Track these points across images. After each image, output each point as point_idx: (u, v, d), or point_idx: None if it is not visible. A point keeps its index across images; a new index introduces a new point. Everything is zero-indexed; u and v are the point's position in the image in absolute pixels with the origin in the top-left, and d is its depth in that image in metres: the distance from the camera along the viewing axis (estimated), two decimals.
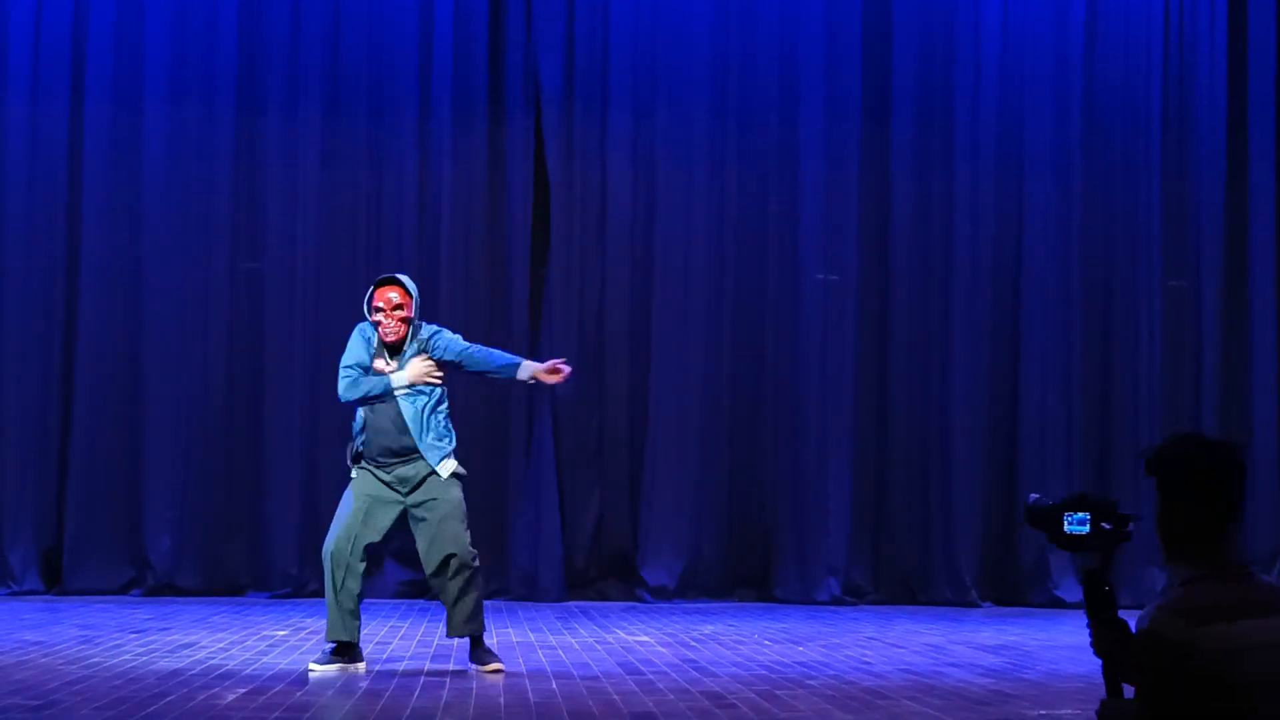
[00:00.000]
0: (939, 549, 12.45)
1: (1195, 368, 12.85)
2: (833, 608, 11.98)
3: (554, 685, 7.54)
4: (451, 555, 7.86)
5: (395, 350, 8.05)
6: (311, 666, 7.83)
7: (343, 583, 7.82)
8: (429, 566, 7.98)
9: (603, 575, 12.46)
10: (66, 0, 12.25)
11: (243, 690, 7.14)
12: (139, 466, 12.12)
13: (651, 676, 7.90)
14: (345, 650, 7.85)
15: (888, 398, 12.67)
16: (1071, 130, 12.81)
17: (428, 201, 12.47)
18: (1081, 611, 11.18)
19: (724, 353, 12.59)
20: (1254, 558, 12.69)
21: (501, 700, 7.00)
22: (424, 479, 7.95)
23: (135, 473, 12.13)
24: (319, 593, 11.95)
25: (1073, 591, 12.29)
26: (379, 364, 8.03)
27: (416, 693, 7.20)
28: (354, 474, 8.11)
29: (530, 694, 7.24)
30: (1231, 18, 12.98)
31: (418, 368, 7.98)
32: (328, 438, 12.25)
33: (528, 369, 8.28)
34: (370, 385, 8.02)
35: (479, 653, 7.96)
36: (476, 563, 7.98)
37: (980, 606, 12.26)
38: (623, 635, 9.90)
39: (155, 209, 12.25)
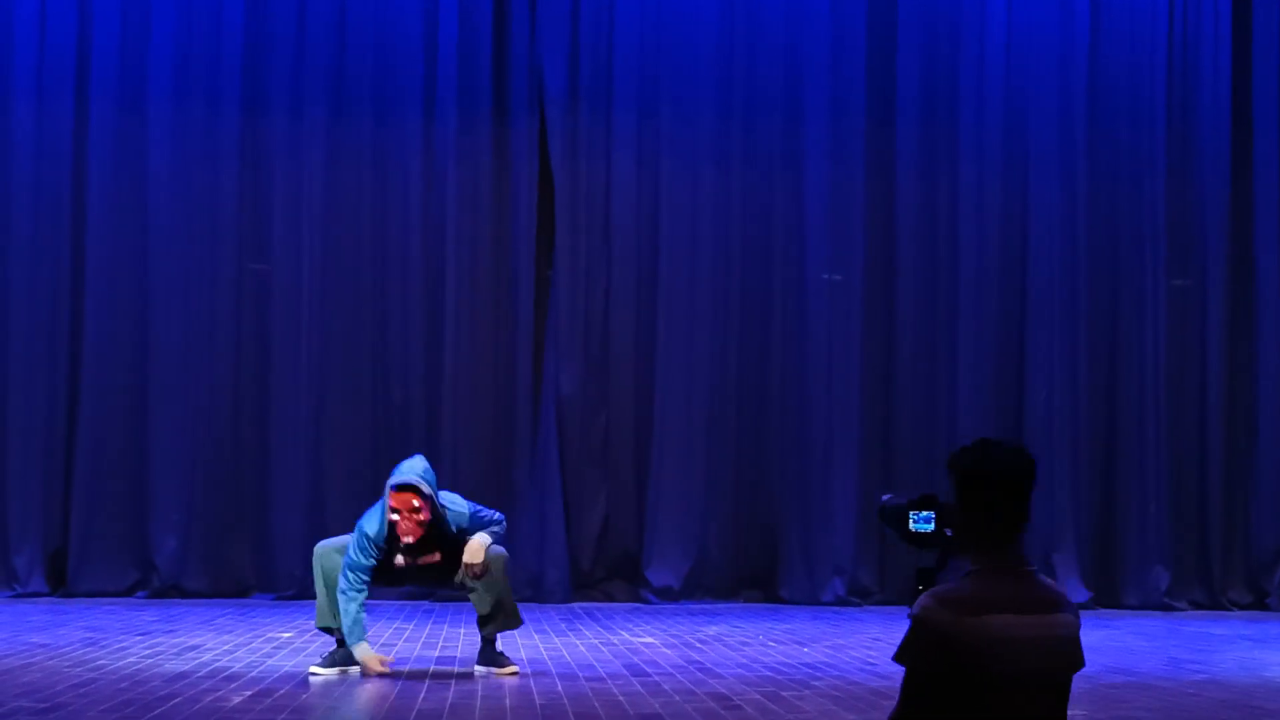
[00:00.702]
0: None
1: (1200, 366, 12.85)
2: (838, 608, 11.98)
3: (559, 686, 7.54)
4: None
5: (416, 546, 7.84)
6: (313, 669, 7.83)
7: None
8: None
9: (608, 576, 12.47)
10: (71, 3, 12.27)
11: (248, 692, 7.15)
12: (144, 469, 12.13)
13: (657, 678, 7.90)
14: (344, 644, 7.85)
15: (893, 397, 12.67)
16: (1076, 130, 12.81)
17: (433, 202, 12.48)
18: (1087, 611, 11.14)
19: (729, 353, 12.59)
20: (1257, 557, 12.70)
21: (507, 702, 7.01)
22: None
23: (141, 475, 12.14)
24: None
25: (1077, 592, 12.29)
26: (399, 559, 7.85)
27: (422, 694, 7.20)
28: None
29: (536, 695, 7.24)
30: (1235, 17, 12.98)
31: (372, 664, 7.73)
32: (333, 440, 12.28)
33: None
34: (348, 624, 7.73)
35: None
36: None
37: None
38: (628, 636, 9.90)
39: (160, 211, 12.26)
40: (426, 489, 7.74)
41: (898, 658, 3.70)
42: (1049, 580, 3.83)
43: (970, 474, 3.77)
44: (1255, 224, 12.94)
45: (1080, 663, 3.75)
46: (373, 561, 7.77)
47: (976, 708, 3.62)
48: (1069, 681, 3.72)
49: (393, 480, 7.78)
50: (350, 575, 7.74)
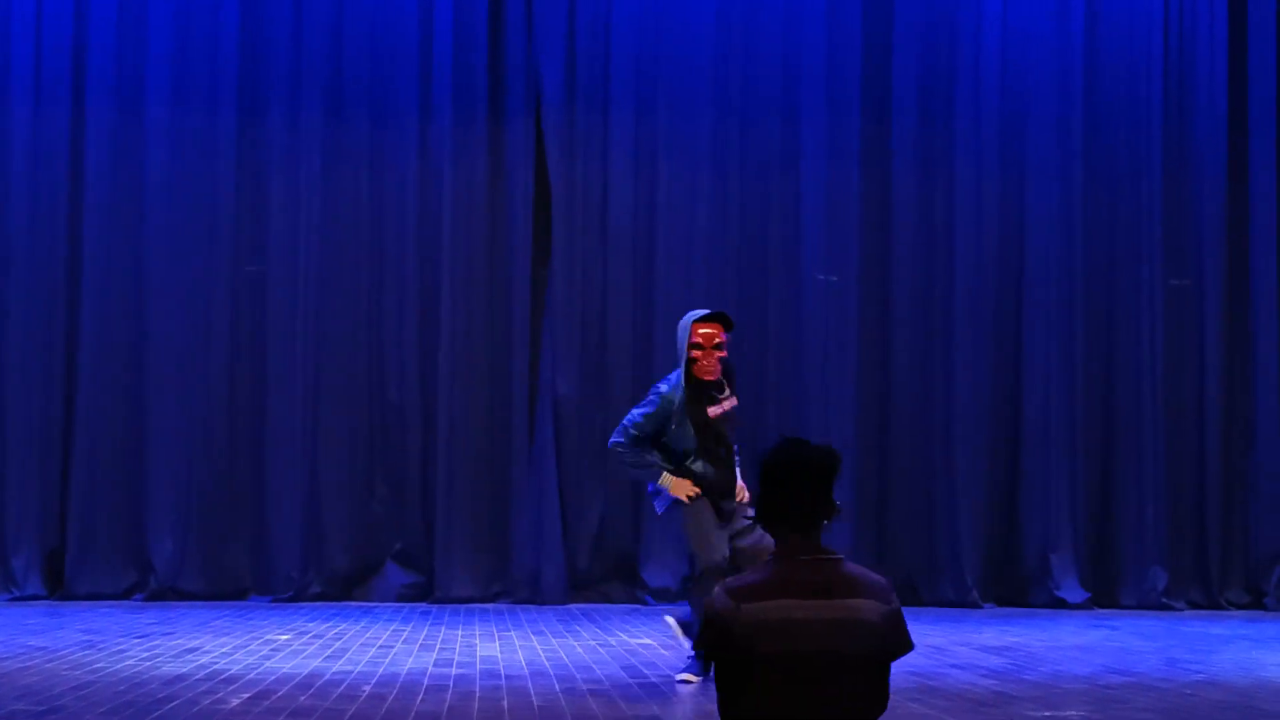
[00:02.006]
0: (941, 549, 12.45)
1: (1198, 366, 12.86)
2: None
3: (557, 688, 7.54)
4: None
5: (709, 390, 7.73)
6: (685, 678, 7.72)
7: None
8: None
9: (605, 577, 12.46)
10: (68, 4, 12.27)
11: (246, 695, 7.15)
12: (142, 471, 12.13)
13: (655, 679, 7.90)
14: None
15: (890, 397, 12.67)
16: (1072, 131, 12.81)
17: (429, 203, 12.48)
18: (1085, 612, 11.15)
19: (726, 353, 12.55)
20: (1254, 557, 12.70)
21: (505, 704, 7.01)
22: None
23: (138, 477, 12.14)
24: (321, 596, 12.08)
25: (1075, 592, 12.30)
26: (711, 410, 7.70)
27: (420, 696, 7.20)
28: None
29: (534, 697, 7.24)
30: (1231, 18, 12.99)
31: (681, 487, 7.60)
32: (329, 441, 12.28)
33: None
34: (649, 466, 7.65)
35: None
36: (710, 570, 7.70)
37: (982, 607, 12.26)
38: (625, 638, 9.90)
39: (157, 213, 12.26)
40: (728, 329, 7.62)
41: (695, 644, 3.97)
42: (858, 568, 4.01)
43: (768, 467, 3.99)
44: (1251, 224, 12.95)
45: (893, 645, 3.93)
46: (655, 425, 7.61)
47: (766, 686, 3.83)
48: (873, 662, 3.89)
49: (695, 314, 7.65)
50: (629, 431, 7.63)
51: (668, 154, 12.61)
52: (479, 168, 12.55)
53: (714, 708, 6.89)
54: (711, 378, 7.69)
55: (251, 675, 7.82)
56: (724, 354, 7.73)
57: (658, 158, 12.61)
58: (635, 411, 7.81)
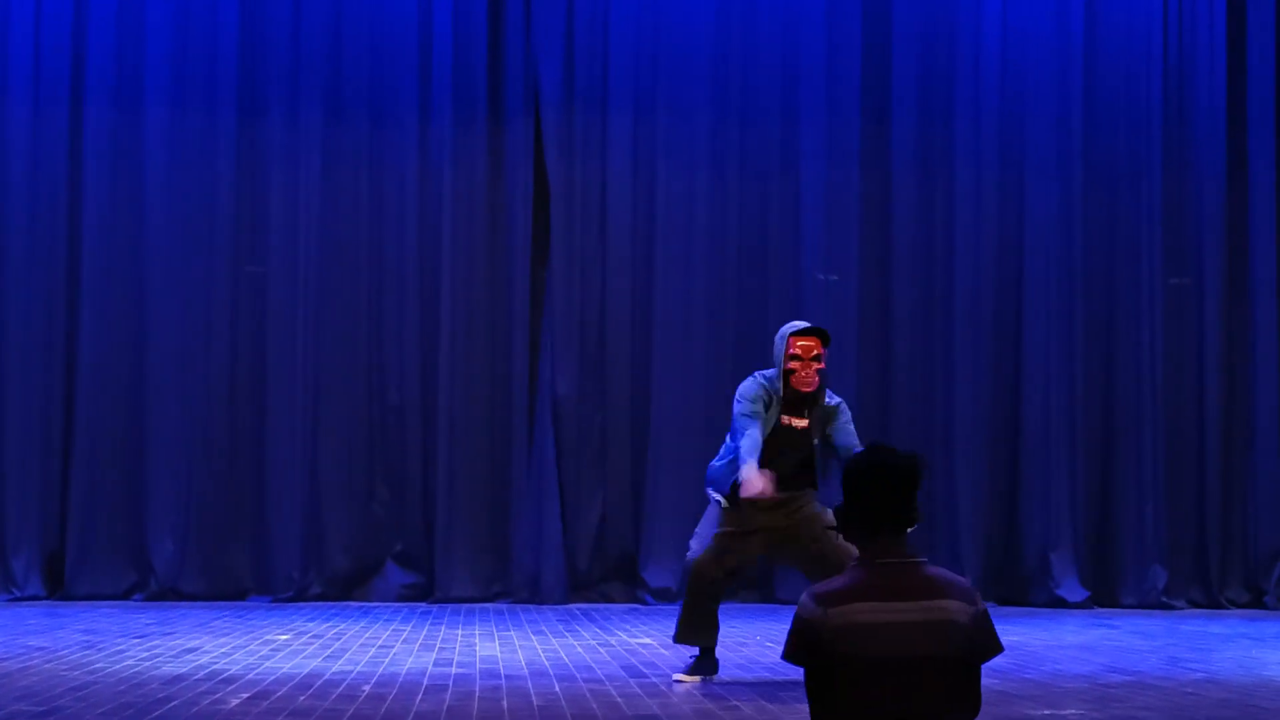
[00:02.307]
0: (941, 548, 12.44)
1: (1198, 365, 12.86)
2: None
3: (557, 688, 7.54)
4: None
5: (802, 404, 7.67)
6: (678, 678, 7.80)
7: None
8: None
9: (605, 577, 12.46)
10: (66, 5, 12.27)
11: (246, 695, 7.14)
12: (142, 471, 12.13)
13: (655, 679, 7.90)
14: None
15: (889, 397, 12.67)
16: (1072, 129, 12.81)
17: (428, 205, 12.48)
18: (1084, 610, 11.15)
19: (726, 353, 12.58)
20: (1254, 556, 12.70)
21: (505, 704, 7.00)
22: None
23: (138, 478, 12.14)
24: (321, 597, 12.08)
25: (1075, 591, 12.30)
26: (785, 419, 7.65)
27: (420, 696, 7.20)
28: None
29: (534, 696, 7.24)
30: (1230, 18, 12.99)
31: (758, 484, 7.42)
32: (329, 442, 12.29)
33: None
34: (748, 446, 7.54)
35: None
36: (689, 566, 7.84)
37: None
38: (625, 637, 9.90)
39: (157, 213, 12.27)
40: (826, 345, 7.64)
41: (784, 656, 3.97)
42: (941, 570, 4.02)
43: (851, 473, 3.97)
44: (1250, 223, 12.95)
45: (981, 647, 3.93)
46: (761, 408, 7.59)
47: (856, 691, 3.82)
48: (963, 664, 3.87)
49: (789, 328, 7.66)
50: (747, 412, 7.58)
51: (667, 154, 12.61)
52: (478, 168, 12.56)
53: (713, 706, 6.90)
54: (809, 389, 7.61)
55: (251, 675, 7.82)
56: (822, 366, 7.66)
57: (657, 158, 12.61)
58: (741, 397, 7.71)
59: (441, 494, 12.22)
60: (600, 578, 12.45)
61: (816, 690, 3.92)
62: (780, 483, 7.57)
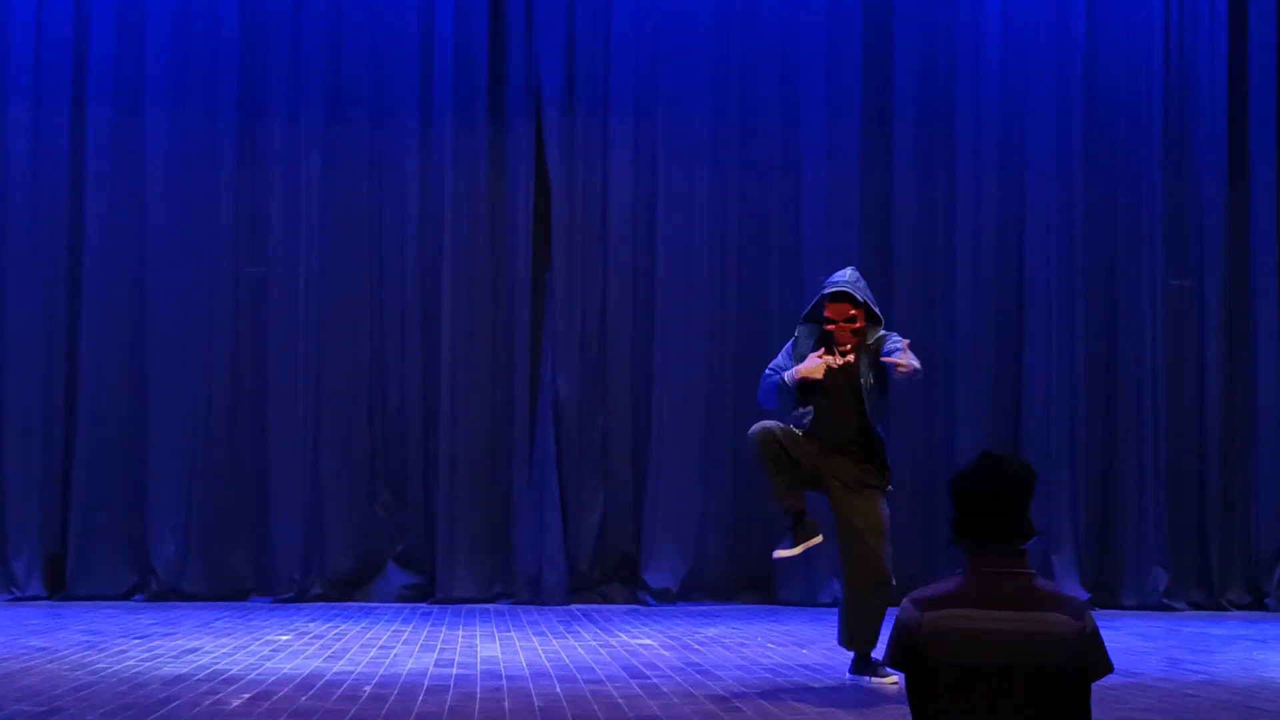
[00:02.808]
0: (941, 550, 12.45)
1: (1198, 366, 12.85)
2: (836, 610, 11.95)
3: (558, 689, 7.54)
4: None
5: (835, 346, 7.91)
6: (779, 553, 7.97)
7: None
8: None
9: (606, 578, 12.46)
10: (67, 6, 12.28)
11: (247, 695, 7.15)
12: (143, 472, 12.14)
13: (655, 680, 7.90)
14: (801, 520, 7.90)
15: (890, 396, 12.64)
16: (1073, 130, 12.81)
17: (430, 205, 12.48)
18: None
19: (727, 354, 12.59)
20: (1255, 557, 12.70)
21: (506, 704, 7.01)
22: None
23: (139, 478, 12.14)
24: (322, 597, 12.08)
25: (1076, 593, 12.29)
26: (828, 359, 7.85)
27: (421, 697, 7.20)
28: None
29: (534, 697, 7.24)
30: (1231, 16, 12.99)
31: (809, 361, 7.79)
32: (330, 442, 12.29)
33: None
34: (766, 383, 7.94)
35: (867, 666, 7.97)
36: (750, 438, 7.90)
37: None
38: (626, 639, 9.90)
39: (158, 214, 12.27)
40: (860, 296, 7.83)
41: (884, 660, 3.96)
42: (1050, 584, 3.93)
43: (960, 482, 3.98)
44: (1252, 224, 12.95)
45: (1091, 666, 3.83)
46: (788, 358, 7.90)
47: (950, 698, 3.78)
48: (1063, 679, 3.79)
49: (825, 288, 7.91)
50: (770, 375, 7.90)
51: (668, 154, 12.61)
52: (479, 168, 12.56)
53: (714, 708, 6.91)
54: (849, 346, 7.85)
55: (252, 676, 7.83)
56: (858, 325, 7.87)
57: (658, 158, 12.61)
58: (782, 355, 8.06)
59: (442, 495, 12.23)
60: (601, 578, 12.45)
61: (914, 696, 3.89)
62: (835, 438, 7.82)
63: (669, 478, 12.37)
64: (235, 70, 12.37)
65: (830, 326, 7.84)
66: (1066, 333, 12.72)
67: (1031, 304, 12.72)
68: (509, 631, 10.19)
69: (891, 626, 3.95)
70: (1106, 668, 3.88)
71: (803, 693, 7.52)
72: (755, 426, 7.90)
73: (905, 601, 3.91)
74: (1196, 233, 12.91)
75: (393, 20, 12.51)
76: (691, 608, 12.05)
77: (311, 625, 10.38)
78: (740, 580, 12.47)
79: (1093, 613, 3.90)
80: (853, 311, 7.84)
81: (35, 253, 12.21)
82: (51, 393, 12.18)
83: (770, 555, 12.23)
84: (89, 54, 12.30)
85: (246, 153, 12.41)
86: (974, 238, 12.74)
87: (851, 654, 8.03)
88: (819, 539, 7.95)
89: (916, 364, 7.66)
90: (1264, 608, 12.54)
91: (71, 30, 12.30)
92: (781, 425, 7.89)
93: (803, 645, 9.61)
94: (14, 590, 11.92)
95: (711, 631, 10.39)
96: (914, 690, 3.89)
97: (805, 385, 7.90)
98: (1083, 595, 12.29)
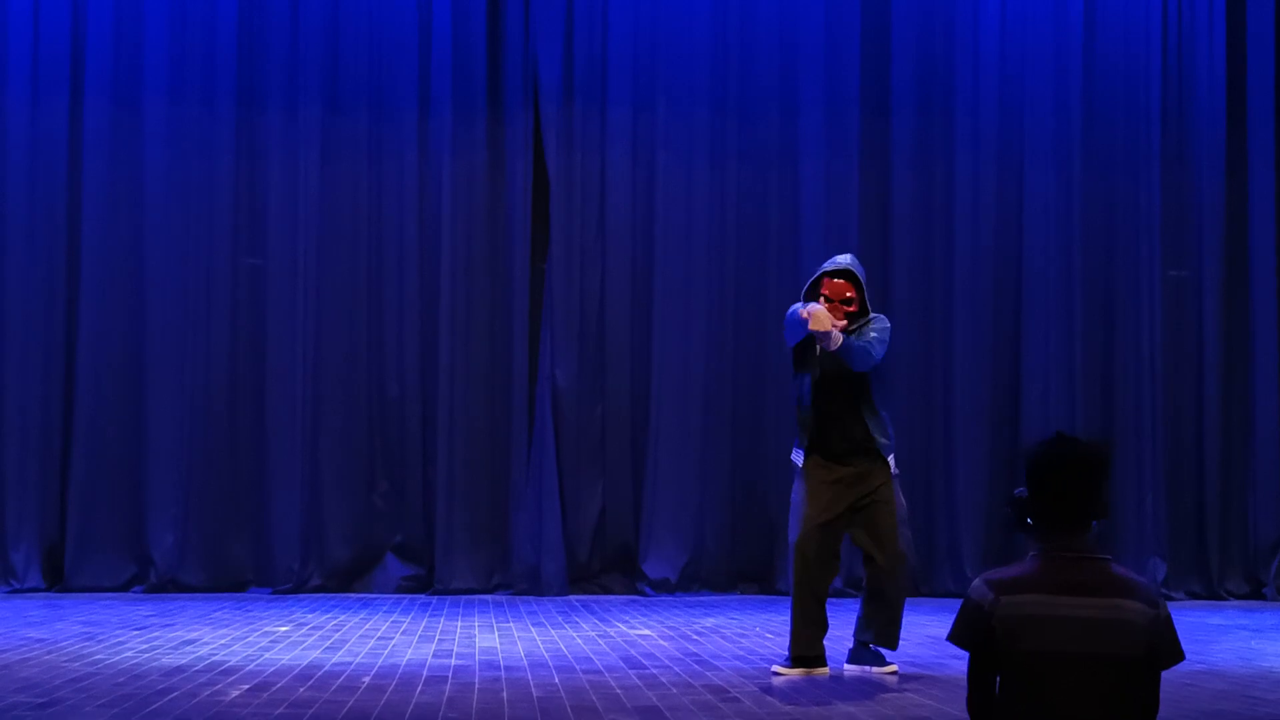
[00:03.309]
0: (941, 540, 12.47)
1: (1197, 357, 12.86)
2: (835, 600, 11.89)
3: (556, 679, 7.54)
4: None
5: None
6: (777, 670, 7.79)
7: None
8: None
9: (605, 569, 12.47)
10: None
11: (246, 686, 7.15)
12: (141, 463, 12.14)
13: (654, 670, 7.91)
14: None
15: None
16: (1071, 121, 12.81)
17: (428, 197, 12.48)
18: None
19: (726, 345, 12.59)
20: (1254, 547, 12.71)
21: (504, 695, 7.01)
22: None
23: (138, 470, 12.14)
24: (321, 588, 12.09)
25: None
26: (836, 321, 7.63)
27: (419, 687, 7.21)
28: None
29: (533, 688, 7.24)
30: (1229, 6, 12.98)
31: (822, 318, 7.52)
32: (329, 434, 12.29)
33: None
34: (791, 319, 7.74)
35: (868, 654, 7.95)
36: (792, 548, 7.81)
37: None
38: (625, 629, 9.91)
39: (156, 207, 12.26)
40: (861, 275, 7.75)
41: (949, 636, 3.93)
42: (1125, 570, 3.90)
43: (1034, 462, 3.89)
44: (1250, 215, 12.95)
45: (1164, 653, 3.83)
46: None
47: (1022, 684, 3.77)
48: (1135, 666, 3.78)
49: (825, 266, 7.83)
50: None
51: (666, 147, 12.61)
52: (478, 161, 12.55)
53: (712, 698, 6.91)
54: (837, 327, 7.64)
55: (251, 667, 7.83)
56: (853, 309, 7.73)
57: (656, 151, 12.61)
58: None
59: (441, 486, 12.23)
60: (600, 569, 12.46)
61: (977, 676, 3.87)
62: (839, 445, 7.73)
63: (668, 468, 12.38)
64: (233, 62, 12.35)
65: (824, 303, 7.69)
66: (1064, 323, 12.72)
67: (1030, 294, 12.72)
68: (507, 622, 10.19)
69: (961, 603, 3.93)
70: (1178, 655, 3.86)
71: (801, 683, 7.52)
72: (794, 535, 7.74)
73: (978, 582, 3.89)
74: (1195, 222, 12.91)
75: (391, 12, 12.50)
76: (690, 598, 12.06)
77: (310, 616, 10.39)
78: (739, 571, 12.48)
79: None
80: (849, 294, 7.75)
81: (33, 244, 12.20)
82: (50, 384, 12.17)
83: (767, 547, 12.35)
84: (86, 46, 12.28)
85: (244, 145, 12.40)
86: (972, 227, 12.74)
87: (877, 647, 7.96)
88: (824, 671, 7.79)
89: (836, 332, 7.50)
90: (1262, 597, 12.56)
91: (69, 23, 12.28)
92: (814, 519, 7.72)
93: None
94: (12, 582, 11.92)
95: (710, 622, 10.39)
96: (977, 671, 3.87)
97: (804, 357, 7.80)
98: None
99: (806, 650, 7.72)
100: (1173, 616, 3.93)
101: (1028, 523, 3.97)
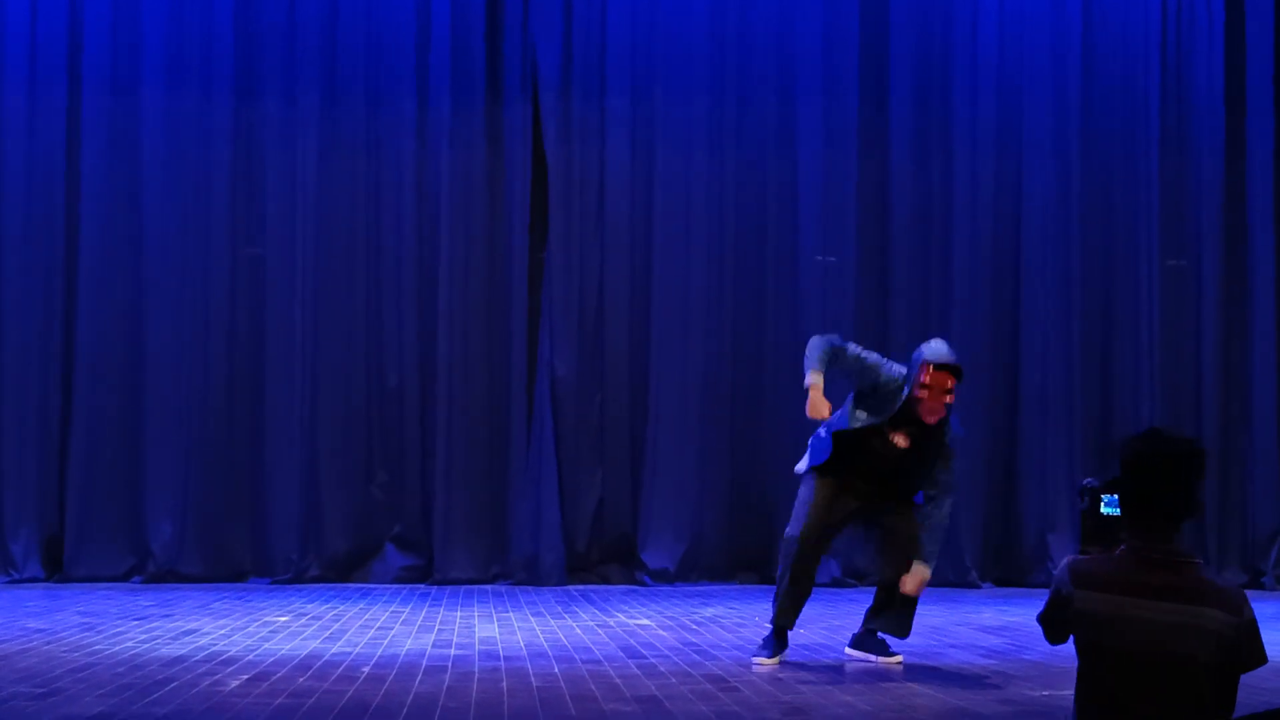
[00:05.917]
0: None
1: (1195, 348, 12.87)
2: (834, 589, 11.99)
3: (556, 669, 7.55)
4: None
5: (911, 425, 7.58)
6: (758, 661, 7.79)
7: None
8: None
9: (604, 559, 12.48)
10: None
11: (245, 676, 7.15)
12: (140, 453, 12.14)
13: (653, 660, 7.91)
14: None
15: None
16: (1070, 110, 12.81)
17: (426, 186, 12.47)
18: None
19: (724, 335, 12.59)
20: (1252, 537, 12.72)
21: (504, 685, 7.01)
22: None
23: (136, 460, 12.14)
24: (320, 578, 12.08)
25: None
26: (890, 432, 7.58)
27: (419, 677, 7.21)
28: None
29: (532, 678, 7.25)
30: None
31: (818, 406, 7.47)
32: (328, 424, 12.29)
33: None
34: (811, 359, 7.62)
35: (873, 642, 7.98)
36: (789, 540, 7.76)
37: (980, 587, 12.29)
38: (624, 619, 9.91)
39: (154, 197, 12.25)
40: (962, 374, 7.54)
41: (1038, 616, 4.02)
42: (1213, 575, 3.87)
43: (1127, 458, 3.87)
44: (1249, 204, 12.95)
45: (1247, 657, 3.81)
46: (860, 368, 7.64)
47: (1092, 673, 3.81)
48: (1209, 671, 3.75)
49: (930, 355, 7.46)
50: (836, 341, 7.70)
51: (664, 137, 12.60)
52: (476, 151, 12.54)
53: (711, 687, 6.91)
54: (932, 420, 7.49)
55: (250, 657, 7.83)
56: (950, 400, 7.50)
57: (655, 140, 12.60)
58: (863, 350, 7.78)
59: (440, 476, 12.24)
60: (599, 559, 12.47)
61: (1052, 627, 3.99)
62: (862, 482, 7.70)
63: (666, 458, 12.38)
64: (231, 52, 12.34)
65: (923, 392, 7.44)
66: (1063, 312, 12.73)
67: (1028, 284, 12.73)
68: (507, 612, 10.19)
69: (1052, 584, 3.98)
70: (1261, 659, 3.84)
71: (801, 672, 7.53)
72: (793, 529, 7.71)
73: (1065, 564, 3.90)
74: (1194, 213, 12.91)
75: (389, 2, 12.48)
76: (689, 588, 12.07)
77: (309, 606, 10.39)
78: (738, 560, 12.48)
79: None
80: (952, 385, 7.49)
81: (32, 235, 12.19)
82: (48, 374, 12.17)
83: (766, 536, 12.35)
84: (84, 35, 12.27)
85: (243, 134, 12.39)
86: (971, 218, 12.74)
87: (885, 636, 7.97)
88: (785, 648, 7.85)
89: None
90: (1261, 586, 12.56)
91: (66, 13, 12.26)
92: (816, 515, 7.69)
93: (800, 625, 9.59)
94: (12, 572, 11.93)
95: (709, 611, 10.40)
96: (1051, 629, 4.00)
97: (870, 410, 7.67)
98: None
99: (785, 620, 7.76)
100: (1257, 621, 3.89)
101: (1102, 515, 4.00)
